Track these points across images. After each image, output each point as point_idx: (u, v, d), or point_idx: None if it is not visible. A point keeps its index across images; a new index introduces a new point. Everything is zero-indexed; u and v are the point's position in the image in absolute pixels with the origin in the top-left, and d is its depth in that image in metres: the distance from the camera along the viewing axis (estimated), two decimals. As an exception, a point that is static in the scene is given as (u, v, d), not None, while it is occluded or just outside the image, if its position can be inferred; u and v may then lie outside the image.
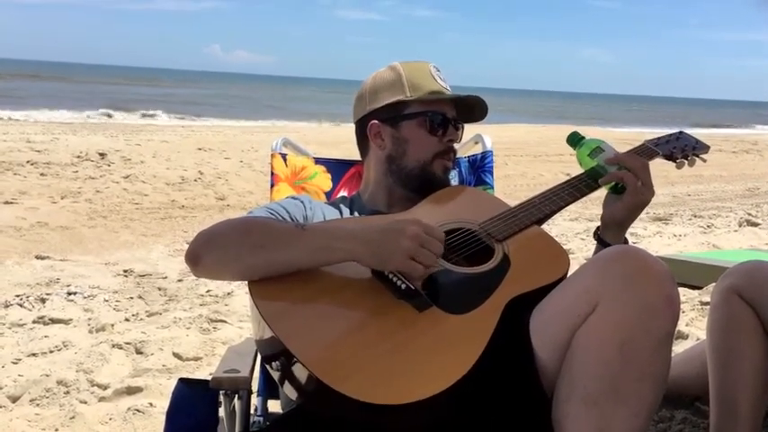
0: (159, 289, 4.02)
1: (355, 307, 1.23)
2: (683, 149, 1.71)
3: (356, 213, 1.60)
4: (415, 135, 1.58)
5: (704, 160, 1.75)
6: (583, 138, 1.59)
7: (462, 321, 1.21)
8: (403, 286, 1.22)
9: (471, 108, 1.64)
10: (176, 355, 2.91)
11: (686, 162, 1.72)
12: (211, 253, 1.28)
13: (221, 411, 1.42)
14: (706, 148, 1.75)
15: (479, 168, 2.05)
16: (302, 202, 1.55)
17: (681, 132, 1.77)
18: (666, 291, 1.15)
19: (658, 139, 1.74)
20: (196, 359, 2.91)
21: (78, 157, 8.53)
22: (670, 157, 1.69)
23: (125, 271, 4.42)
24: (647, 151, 1.67)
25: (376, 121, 1.60)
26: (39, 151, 8.66)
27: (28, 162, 8.05)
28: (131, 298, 3.80)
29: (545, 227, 1.54)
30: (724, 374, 1.54)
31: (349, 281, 1.26)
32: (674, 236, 5.85)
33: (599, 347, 1.15)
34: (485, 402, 1.20)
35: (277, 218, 1.44)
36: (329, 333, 1.17)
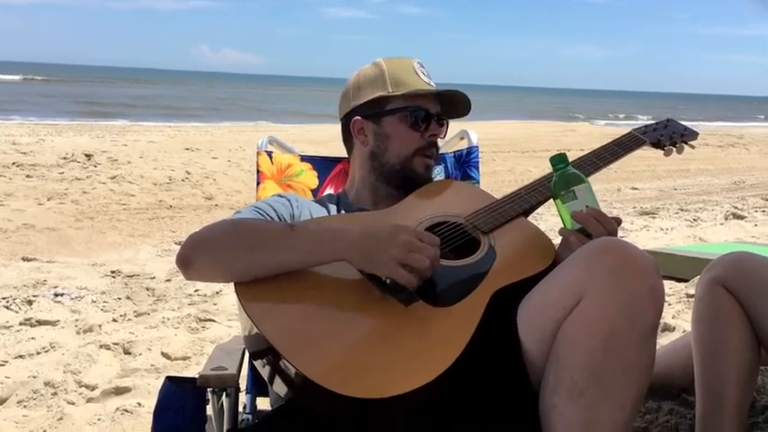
0: (147, 289, 4.00)
1: (341, 303, 1.23)
2: (671, 136, 1.70)
3: (343, 211, 1.60)
4: (397, 130, 1.57)
5: (693, 147, 1.74)
6: (567, 165, 1.37)
7: (448, 314, 1.21)
8: (388, 281, 1.22)
9: (454, 104, 1.63)
10: (165, 355, 2.90)
11: (674, 149, 1.71)
12: (201, 256, 1.29)
13: (209, 409, 1.42)
14: (695, 135, 1.74)
15: (465, 164, 2.05)
16: (289, 200, 1.55)
17: (669, 120, 1.76)
18: (651, 283, 1.16)
19: (645, 126, 1.74)
20: (185, 358, 2.91)
21: (64, 158, 8.47)
22: (657, 144, 1.69)
23: (112, 272, 4.40)
24: (633, 140, 1.67)
25: (359, 117, 1.60)
26: (24, 153, 8.60)
27: (13, 164, 7.99)
28: (119, 299, 3.78)
29: (531, 219, 1.55)
30: (709, 365, 1.55)
31: (335, 277, 1.26)
32: (661, 229, 5.89)
33: (584, 339, 1.15)
34: (472, 394, 1.20)
35: (265, 217, 1.44)
36: (315, 330, 1.17)
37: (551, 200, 1.47)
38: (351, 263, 1.24)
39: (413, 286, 1.20)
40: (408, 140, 1.57)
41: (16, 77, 45.77)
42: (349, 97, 1.64)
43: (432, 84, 1.61)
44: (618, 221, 1.35)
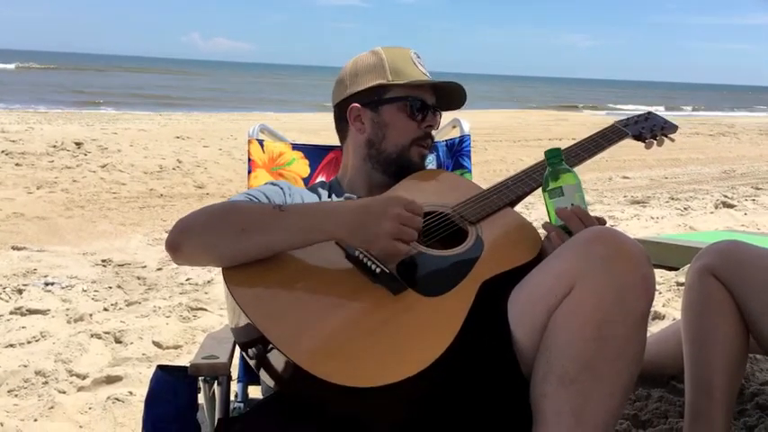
0: (138, 278, 3.99)
1: (330, 291, 1.23)
2: (651, 129, 1.75)
3: (334, 197, 1.60)
4: (395, 119, 1.58)
5: (672, 140, 1.79)
6: (561, 161, 1.37)
7: (437, 303, 1.21)
8: (377, 270, 1.22)
9: (450, 95, 1.64)
10: (156, 344, 2.90)
11: (655, 142, 1.76)
12: (191, 240, 1.27)
13: (201, 398, 1.42)
14: (674, 128, 1.79)
15: (457, 152, 2.05)
16: (281, 187, 1.55)
17: (649, 113, 1.82)
18: (642, 271, 1.16)
19: (627, 119, 1.78)
20: (176, 347, 2.90)
21: (54, 146, 8.40)
22: (639, 137, 1.74)
23: (103, 261, 4.38)
24: (616, 132, 1.71)
25: (356, 105, 1.60)
26: (13, 141, 8.52)
27: (2, 152, 7.92)
28: (110, 288, 3.77)
29: (522, 209, 1.55)
30: (698, 353, 1.56)
31: (324, 265, 1.26)
32: (652, 218, 5.91)
33: (576, 328, 1.15)
34: (463, 384, 1.20)
35: (256, 203, 1.43)
36: (304, 317, 1.17)
37: (538, 190, 1.48)
38: (343, 240, 1.24)
39: (407, 255, 1.22)
40: (406, 130, 1.58)
41: (10, 66, 45.01)
42: (345, 84, 1.64)
43: (427, 74, 1.61)
44: (601, 222, 1.35)
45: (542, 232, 1.43)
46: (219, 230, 1.25)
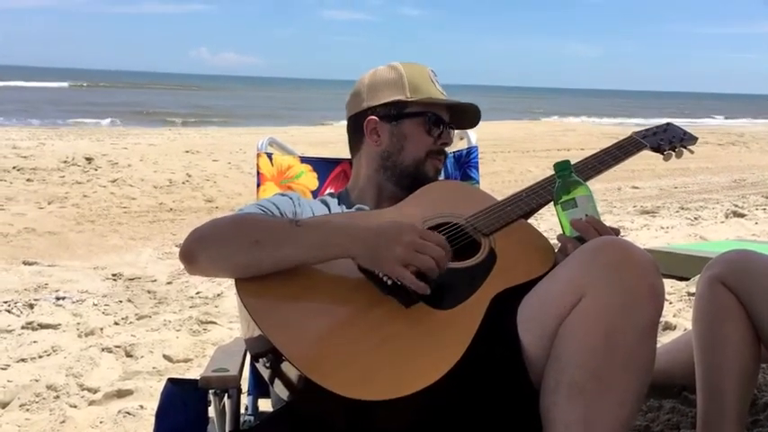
0: (149, 292, 4.01)
1: (342, 302, 1.23)
2: (670, 141, 1.72)
3: (344, 207, 1.61)
4: (414, 133, 1.61)
5: (691, 152, 1.76)
6: (570, 173, 1.38)
7: (448, 317, 1.21)
8: (389, 282, 1.22)
9: (464, 115, 1.67)
10: (166, 358, 2.91)
11: (674, 154, 1.73)
12: (206, 251, 1.28)
13: (211, 411, 1.42)
14: (694, 140, 1.76)
15: (465, 164, 2.05)
16: (291, 198, 1.56)
17: (669, 124, 1.77)
18: (650, 280, 1.16)
19: (646, 130, 1.75)
20: (186, 361, 2.91)
21: (65, 162, 8.48)
22: (657, 149, 1.70)
23: (114, 275, 4.40)
24: (634, 144, 1.68)
25: (374, 117, 1.62)
26: (25, 157, 8.60)
27: (14, 168, 8.00)
28: (120, 302, 3.78)
29: (532, 221, 1.55)
30: (709, 363, 1.55)
31: (336, 276, 1.26)
32: (662, 228, 5.88)
33: (585, 337, 1.15)
34: (473, 395, 1.20)
35: (268, 214, 1.44)
36: (315, 328, 1.17)
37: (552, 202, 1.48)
38: (355, 260, 1.24)
39: (416, 287, 1.19)
40: (423, 143, 1.61)
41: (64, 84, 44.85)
42: (362, 97, 1.65)
43: (444, 93, 1.65)
44: (616, 232, 1.35)
45: (554, 242, 1.43)
46: (235, 243, 1.26)
